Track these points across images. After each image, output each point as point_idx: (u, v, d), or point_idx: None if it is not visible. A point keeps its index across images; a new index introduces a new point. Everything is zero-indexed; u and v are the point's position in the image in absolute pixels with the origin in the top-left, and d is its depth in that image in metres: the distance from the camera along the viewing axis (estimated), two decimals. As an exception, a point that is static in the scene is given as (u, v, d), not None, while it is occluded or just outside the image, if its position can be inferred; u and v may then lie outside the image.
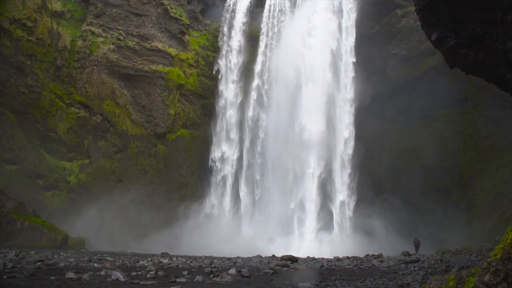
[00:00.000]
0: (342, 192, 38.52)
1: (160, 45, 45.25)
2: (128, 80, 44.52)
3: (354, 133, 39.38)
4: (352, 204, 38.11)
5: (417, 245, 29.79)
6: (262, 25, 44.80)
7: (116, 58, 43.90)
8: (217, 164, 43.81)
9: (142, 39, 45.10)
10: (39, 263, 18.14)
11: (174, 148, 45.05)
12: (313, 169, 38.34)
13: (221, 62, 45.98)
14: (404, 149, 40.03)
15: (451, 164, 38.10)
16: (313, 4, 42.01)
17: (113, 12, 45.06)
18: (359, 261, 23.26)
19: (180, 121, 45.54)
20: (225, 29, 46.82)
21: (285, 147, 39.71)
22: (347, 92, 40.29)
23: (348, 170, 38.73)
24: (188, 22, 47.25)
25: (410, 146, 39.89)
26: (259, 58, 44.20)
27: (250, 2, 47.04)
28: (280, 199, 39.00)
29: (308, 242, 36.02)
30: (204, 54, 47.42)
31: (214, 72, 46.43)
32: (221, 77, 45.78)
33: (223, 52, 46.20)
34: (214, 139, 44.68)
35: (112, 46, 43.93)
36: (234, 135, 44.10)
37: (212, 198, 43.26)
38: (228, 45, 46.13)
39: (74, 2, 45.52)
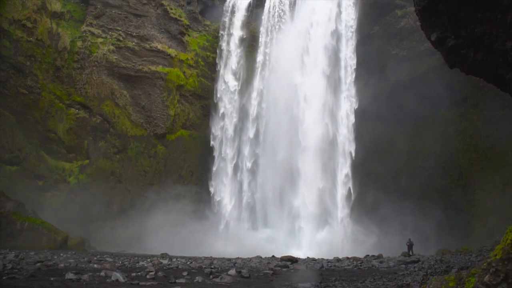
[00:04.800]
0: (342, 192, 38.53)
1: (159, 46, 45.26)
2: (128, 81, 44.52)
3: (354, 134, 39.40)
4: (352, 204, 38.11)
5: (410, 246, 29.78)
6: (261, 26, 44.78)
7: (115, 58, 43.89)
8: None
9: (142, 39, 45.10)
10: (38, 264, 18.11)
11: (173, 149, 45.05)
12: (314, 169, 38.34)
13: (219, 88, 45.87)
14: (404, 150, 40.02)
15: (451, 165, 38.09)
16: (312, 5, 42.00)
17: (112, 13, 45.07)
18: (359, 262, 23.26)
19: (180, 121, 45.54)
20: (226, 19, 46.89)
21: (286, 140, 39.68)
22: (348, 93, 40.27)
23: (348, 170, 38.73)
24: (187, 23, 47.27)
25: (410, 146, 39.89)
26: (259, 59, 44.15)
27: (250, 2, 47.04)
28: (281, 199, 38.95)
29: (308, 243, 35.99)
30: (204, 54, 47.43)
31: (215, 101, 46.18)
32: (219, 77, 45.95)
33: (223, 52, 46.13)
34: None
35: (111, 47, 43.93)
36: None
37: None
38: (228, 46, 46.12)
39: (74, 2, 45.52)
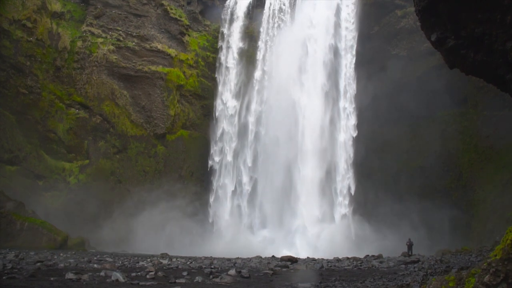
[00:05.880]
0: (342, 192, 38.52)
1: (159, 46, 45.25)
2: (128, 81, 44.51)
3: (354, 134, 39.39)
4: (352, 204, 38.10)
5: (409, 246, 29.79)
6: (262, 26, 44.68)
7: (115, 58, 43.88)
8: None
9: (142, 39, 45.09)
10: (38, 264, 18.13)
11: (173, 149, 45.03)
12: (314, 169, 38.33)
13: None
14: (404, 150, 40.02)
15: (451, 165, 38.09)
16: (312, 5, 41.98)
17: (112, 13, 45.06)
18: (359, 262, 23.27)
19: (180, 121, 45.53)
20: (225, 29, 46.74)
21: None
22: (348, 93, 40.25)
23: (348, 171, 38.68)
24: (187, 23, 47.27)
25: (410, 146, 39.89)
26: (259, 59, 44.04)
27: (250, 2, 46.98)
28: (281, 200, 38.90)
29: (308, 242, 35.95)
30: (204, 54, 47.42)
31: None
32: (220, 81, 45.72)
33: (222, 67, 45.58)
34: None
35: (111, 47, 43.92)
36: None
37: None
38: (226, 60, 45.77)
39: (74, 2, 45.51)
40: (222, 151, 43.72)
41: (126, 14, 45.38)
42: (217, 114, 44.71)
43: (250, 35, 45.92)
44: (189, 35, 47.14)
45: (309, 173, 38.00)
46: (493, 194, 33.96)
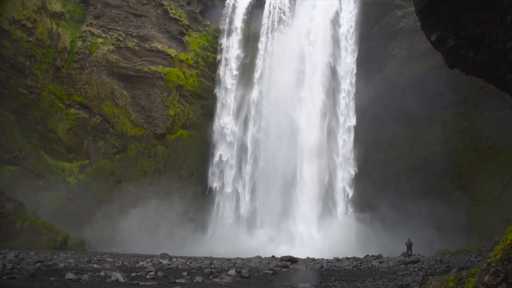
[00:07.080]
0: (342, 193, 38.52)
1: (159, 46, 45.24)
2: (128, 81, 44.50)
3: (354, 134, 39.39)
4: (352, 204, 38.11)
5: (409, 246, 29.82)
6: (261, 26, 44.68)
7: (115, 59, 43.87)
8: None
9: (142, 39, 45.08)
10: (38, 264, 18.13)
11: (173, 149, 45.01)
12: (313, 170, 38.32)
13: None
14: (404, 150, 40.05)
15: (451, 165, 38.11)
16: (312, 5, 42.00)
17: (112, 13, 45.05)
18: (358, 262, 23.29)
19: (180, 121, 45.51)
20: (225, 29, 46.66)
21: (283, 141, 39.40)
22: (348, 93, 40.24)
23: (348, 171, 38.64)
24: (187, 23, 47.26)
25: (410, 146, 39.92)
26: (259, 59, 43.96)
27: (250, 2, 46.97)
28: (280, 199, 38.89)
29: (308, 242, 35.95)
30: (204, 55, 47.41)
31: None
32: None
33: (221, 84, 45.19)
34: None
35: (111, 47, 43.91)
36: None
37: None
38: (226, 63, 45.54)
39: (74, 3, 45.50)
40: (221, 175, 42.97)
41: (126, 14, 45.37)
42: (215, 138, 44.05)
43: (251, 34, 45.81)
44: (189, 35, 47.13)
45: (307, 207, 37.61)
46: (493, 194, 33.99)
